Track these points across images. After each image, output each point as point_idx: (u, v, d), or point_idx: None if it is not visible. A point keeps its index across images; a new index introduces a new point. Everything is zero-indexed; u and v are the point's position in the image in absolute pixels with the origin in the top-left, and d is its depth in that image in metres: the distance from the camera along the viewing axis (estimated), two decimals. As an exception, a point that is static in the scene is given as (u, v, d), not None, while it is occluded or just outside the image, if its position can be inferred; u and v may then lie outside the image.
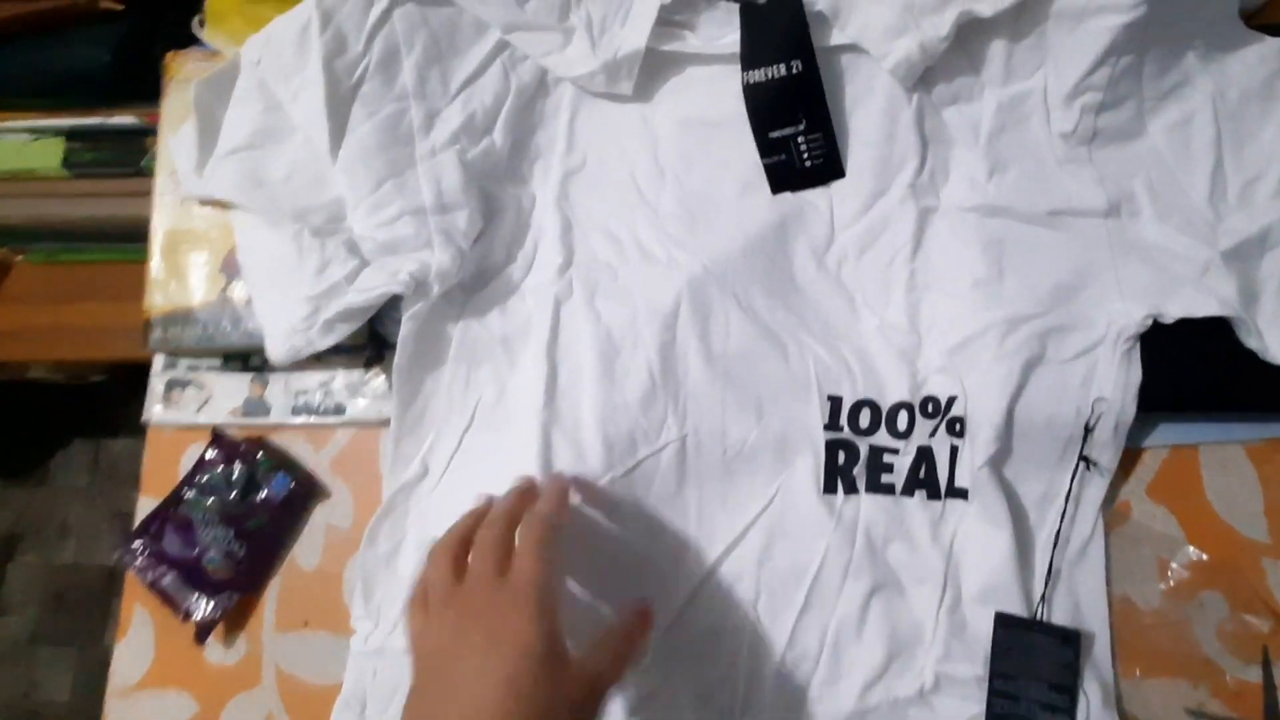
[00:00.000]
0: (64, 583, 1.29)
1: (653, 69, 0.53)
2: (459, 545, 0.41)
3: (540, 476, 0.49)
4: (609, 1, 0.52)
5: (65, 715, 1.23)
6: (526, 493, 0.44)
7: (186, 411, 0.57)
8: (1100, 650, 0.47)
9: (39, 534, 1.31)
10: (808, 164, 0.50)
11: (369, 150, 0.50)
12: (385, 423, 0.54)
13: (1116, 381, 0.47)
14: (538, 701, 0.34)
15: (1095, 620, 0.48)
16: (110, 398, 1.27)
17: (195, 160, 0.52)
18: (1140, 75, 0.46)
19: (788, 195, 0.53)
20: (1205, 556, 0.48)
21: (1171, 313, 0.46)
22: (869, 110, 0.50)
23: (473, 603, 0.37)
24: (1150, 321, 0.46)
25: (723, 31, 0.51)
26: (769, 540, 0.50)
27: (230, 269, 0.53)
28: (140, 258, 0.59)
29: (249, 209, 0.51)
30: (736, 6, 0.49)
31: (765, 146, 0.51)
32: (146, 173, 0.62)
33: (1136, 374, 0.47)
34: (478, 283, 0.54)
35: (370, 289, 0.49)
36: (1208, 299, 0.45)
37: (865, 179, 0.51)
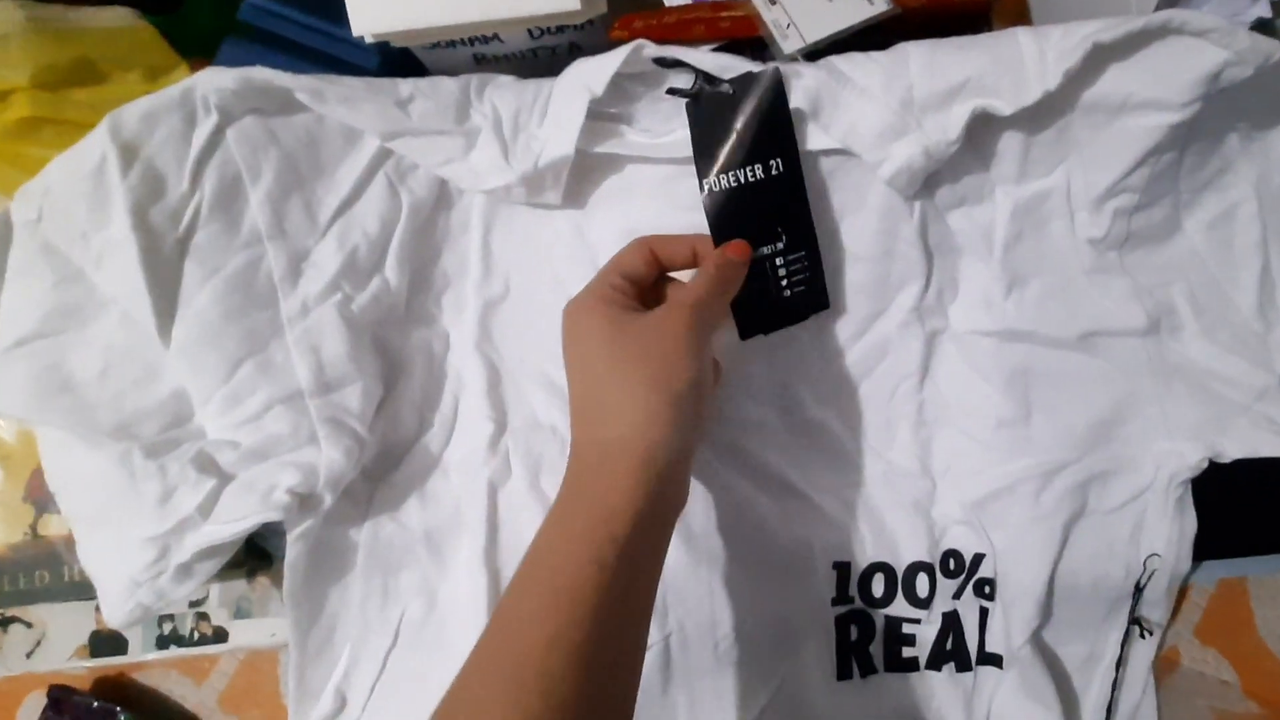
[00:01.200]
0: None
1: (583, 171, 0.41)
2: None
3: None
4: (519, 93, 0.40)
5: None
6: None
7: (12, 658, 0.43)
8: (1159, 824, 0.42)
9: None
10: (786, 293, 0.40)
11: (216, 321, 0.37)
12: (283, 645, 0.42)
13: (1169, 534, 0.40)
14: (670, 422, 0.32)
15: (1153, 790, 0.42)
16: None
17: (-37, 357, 0.37)
18: (1179, 170, 0.38)
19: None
20: (1258, 707, 0.43)
21: (1229, 453, 0.39)
22: (861, 223, 0.40)
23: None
24: (1206, 464, 0.39)
25: (669, 125, 0.40)
26: (778, 739, 0.42)
27: (39, 497, 0.39)
28: None
29: (53, 423, 0.37)
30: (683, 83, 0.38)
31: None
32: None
33: (1191, 523, 0.40)
34: (384, 465, 0.42)
35: (236, 516, 0.36)
36: (1268, 434, 0.39)
37: (859, 301, 0.42)
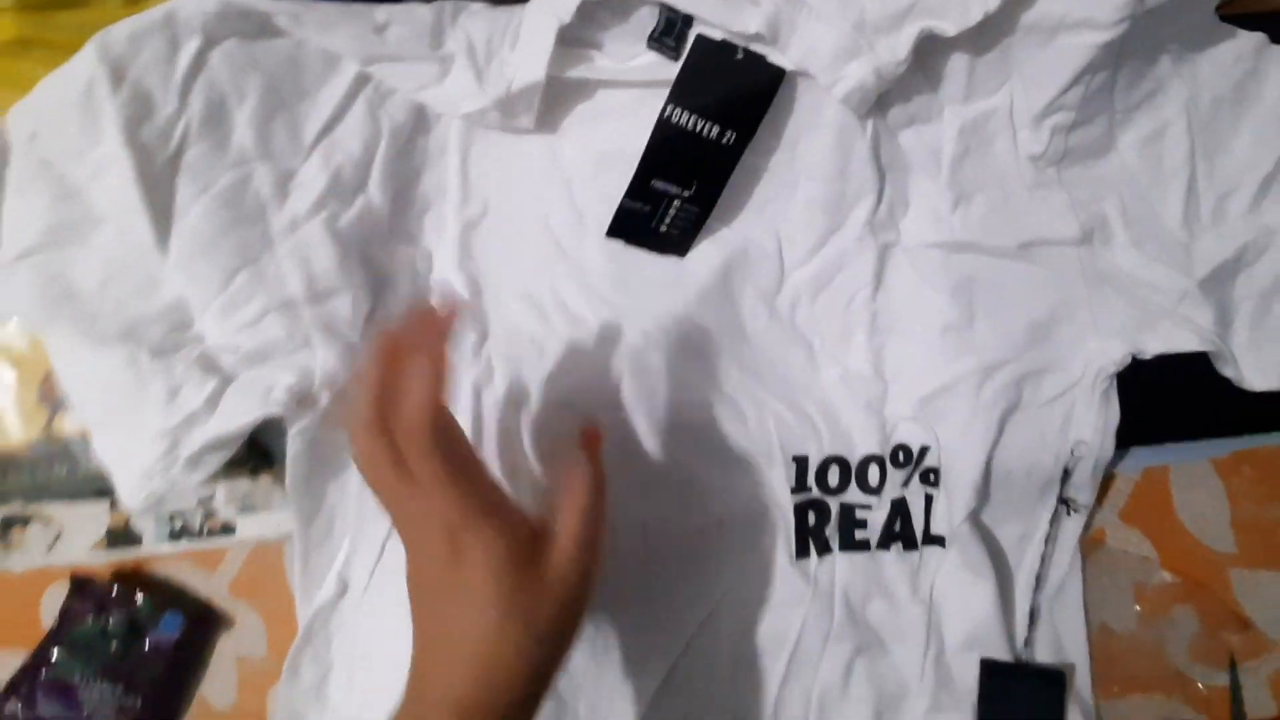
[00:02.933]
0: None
1: (555, 96, 0.43)
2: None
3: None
4: (491, 20, 0.41)
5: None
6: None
7: (33, 553, 0.47)
8: (1081, 680, 0.47)
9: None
10: (662, 229, 0.44)
11: (210, 235, 0.40)
12: (287, 536, 0.46)
13: (1095, 424, 0.44)
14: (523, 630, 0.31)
15: (1076, 652, 0.47)
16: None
17: (-24, 269, 0.39)
18: (1113, 88, 0.41)
19: (727, 234, 0.46)
20: (1175, 579, 0.48)
21: (1150, 349, 0.43)
22: (818, 142, 0.42)
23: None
24: (1129, 359, 0.43)
25: (635, 49, 0.42)
26: (743, 613, 0.46)
27: (52, 397, 0.42)
28: None
29: (61, 328, 0.39)
30: (648, 13, 0.40)
31: (636, 188, 0.43)
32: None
33: (1115, 414, 0.44)
34: (376, 371, 0.45)
35: (239, 412, 0.40)
36: (1186, 333, 0.42)
37: (816, 215, 0.44)
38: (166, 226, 0.39)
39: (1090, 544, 0.48)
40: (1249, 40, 0.42)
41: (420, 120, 0.44)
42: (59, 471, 0.42)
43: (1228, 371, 0.44)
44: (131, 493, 0.40)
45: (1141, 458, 0.48)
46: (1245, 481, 0.48)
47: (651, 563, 0.45)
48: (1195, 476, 0.48)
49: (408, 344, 0.31)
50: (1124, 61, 0.40)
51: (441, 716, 0.30)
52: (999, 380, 0.44)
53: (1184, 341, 0.42)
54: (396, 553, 0.46)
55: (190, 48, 0.38)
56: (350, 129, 0.42)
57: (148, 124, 0.38)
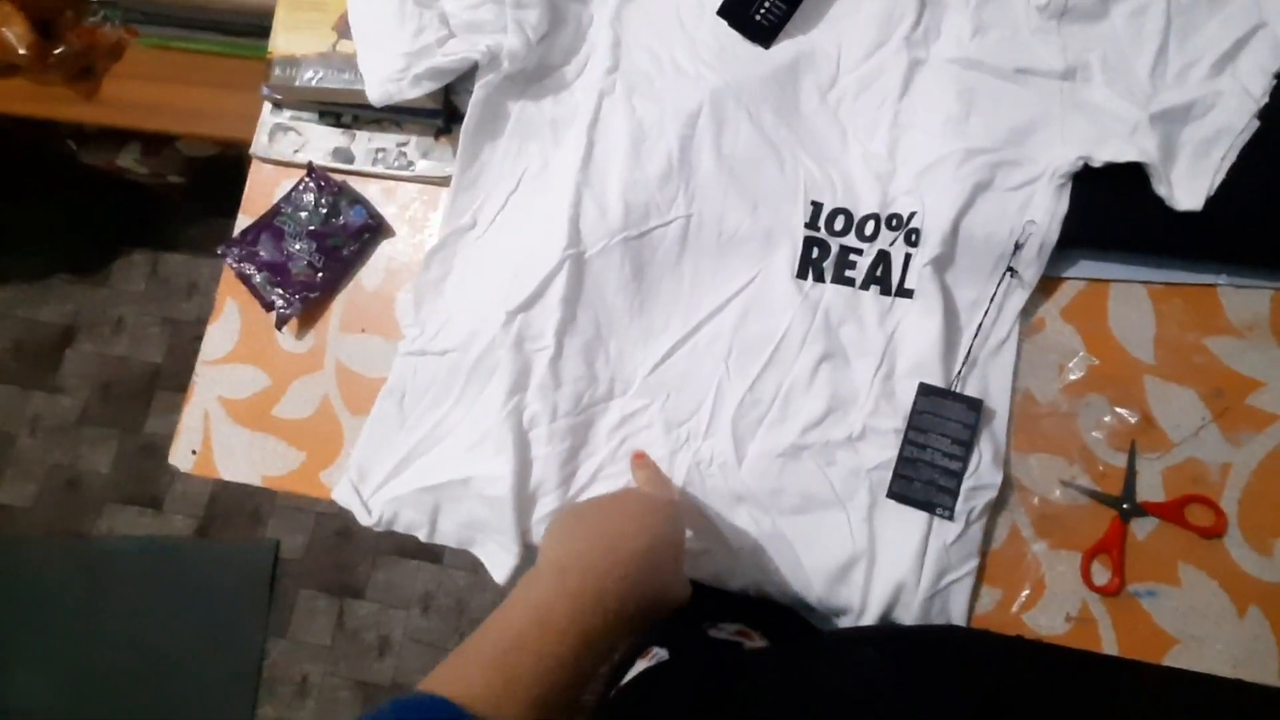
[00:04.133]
0: (113, 373, 1.42)
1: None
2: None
3: (567, 229, 0.60)
4: None
5: (102, 486, 1.37)
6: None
7: (285, 151, 0.68)
8: (999, 423, 0.58)
9: (95, 328, 1.44)
10: (757, 18, 0.62)
11: (469, -54, 0.61)
12: (447, 181, 0.65)
13: (1047, 209, 0.57)
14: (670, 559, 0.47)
15: (999, 400, 0.58)
16: (176, 214, 1.39)
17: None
18: (1109, -36, 0.56)
19: (802, 38, 0.63)
20: (1097, 362, 0.59)
21: (1100, 157, 0.56)
22: (882, -28, 0.60)
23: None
24: (1081, 163, 0.57)
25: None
26: (746, 310, 0.61)
27: (341, 29, 0.64)
28: (248, 53, 0.68)
29: (361, -21, 0.62)
30: None
31: None
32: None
33: (1064, 206, 0.57)
34: (538, 74, 0.65)
35: (454, 54, 0.60)
36: (1131, 150, 0.56)
37: (870, 28, 0.61)
38: (446, -68, 0.61)
39: (1031, 328, 0.60)
40: (1230, -50, 0.56)
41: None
42: (330, 75, 0.63)
43: (1160, 190, 0.56)
44: (374, 89, 0.61)
45: (1087, 269, 0.60)
46: (1173, 309, 0.59)
47: (688, 252, 0.62)
48: (1131, 296, 0.60)
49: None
50: (1118, -60, 0.55)
51: (591, 602, 0.41)
52: (978, 161, 0.58)
53: (1128, 155, 0.55)
54: (516, 205, 0.64)
55: None
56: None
57: None
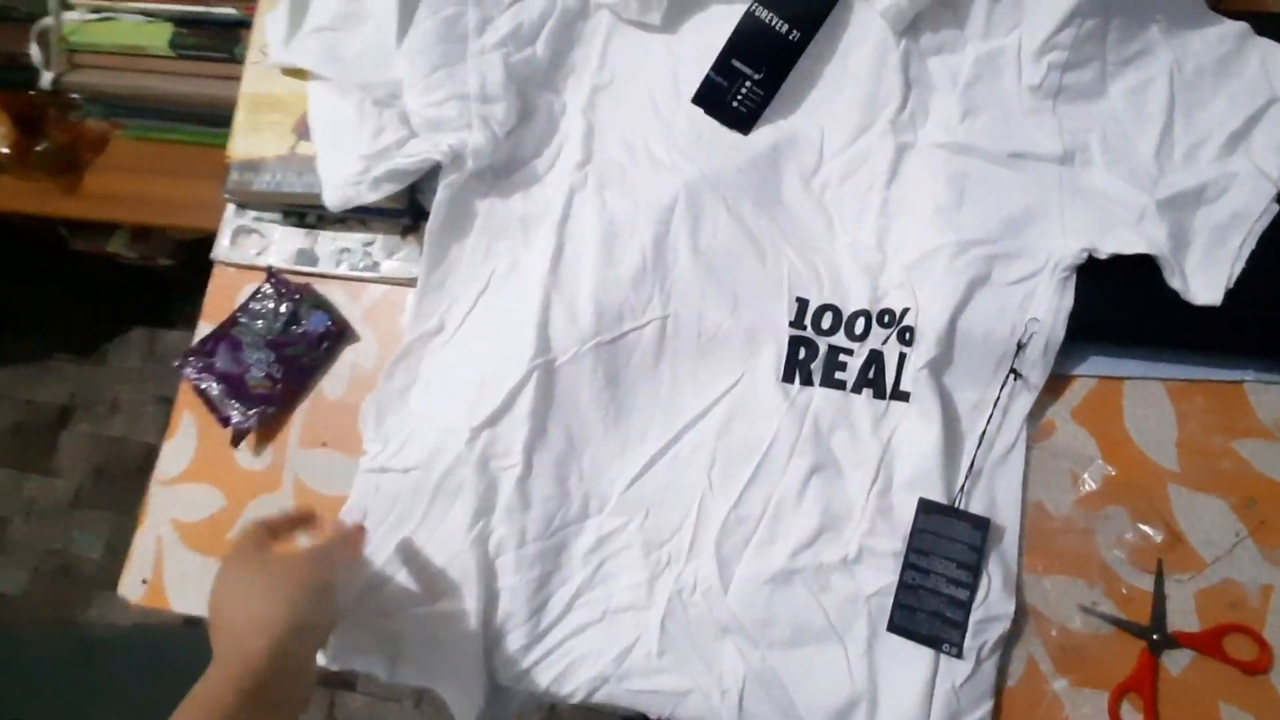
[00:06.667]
0: (108, 454, 1.40)
1: (681, 4, 0.61)
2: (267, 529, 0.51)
3: (535, 337, 0.56)
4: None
5: (95, 572, 1.34)
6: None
7: (248, 254, 0.66)
8: (1009, 542, 0.53)
9: (91, 408, 1.43)
10: (734, 104, 0.59)
11: (429, 42, 0.59)
12: (413, 282, 0.62)
13: (1050, 306, 0.53)
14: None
15: (1008, 517, 0.53)
16: (170, 291, 1.39)
17: (284, 35, 0.61)
18: (1105, 40, 0.52)
19: (783, 123, 0.60)
20: (1114, 471, 0.54)
21: (1106, 249, 0.52)
22: (862, 51, 0.56)
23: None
24: (1085, 255, 0.52)
25: (744, -28, 0.59)
26: (729, 417, 0.57)
27: (300, 131, 0.61)
28: (223, 141, 0.67)
29: (324, 78, 0.60)
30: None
31: (721, 65, 0.58)
32: (239, 60, 0.72)
33: (1069, 301, 0.53)
34: (507, 169, 0.62)
35: (415, 154, 0.57)
36: (1139, 240, 0.51)
37: (854, 112, 0.58)
38: (405, 30, 0.59)
39: (1040, 432, 0.55)
40: (1234, 27, 0.52)
41: (583, 9, 0.63)
42: (290, 179, 0.61)
43: (1175, 283, 0.51)
44: (333, 193, 0.58)
45: (1099, 366, 0.55)
46: (1196, 409, 0.54)
47: (665, 356, 0.58)
48: (1148, 394, 0.55)
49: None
50: (1114, 17, 0.51)
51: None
52: (973, 254, 0.54)
53: (1136, 246, 0.51)
54: (484, 308, 0.61)
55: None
56: (536, 2, 0.61)
57: (414, -39, 0.58)
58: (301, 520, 0.53)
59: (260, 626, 0.44)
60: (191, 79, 0.79)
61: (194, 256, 1.11)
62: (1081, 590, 0.53)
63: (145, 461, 1.38)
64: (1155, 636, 0.51)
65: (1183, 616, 0.51)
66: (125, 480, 1.38)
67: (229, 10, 0.75)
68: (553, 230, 0.59)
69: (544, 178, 0.62)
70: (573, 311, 0.57)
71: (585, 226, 0.59)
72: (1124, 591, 0.52)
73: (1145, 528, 0.53)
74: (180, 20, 0.78)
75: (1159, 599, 0.52)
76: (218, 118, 0.85)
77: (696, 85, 0.60)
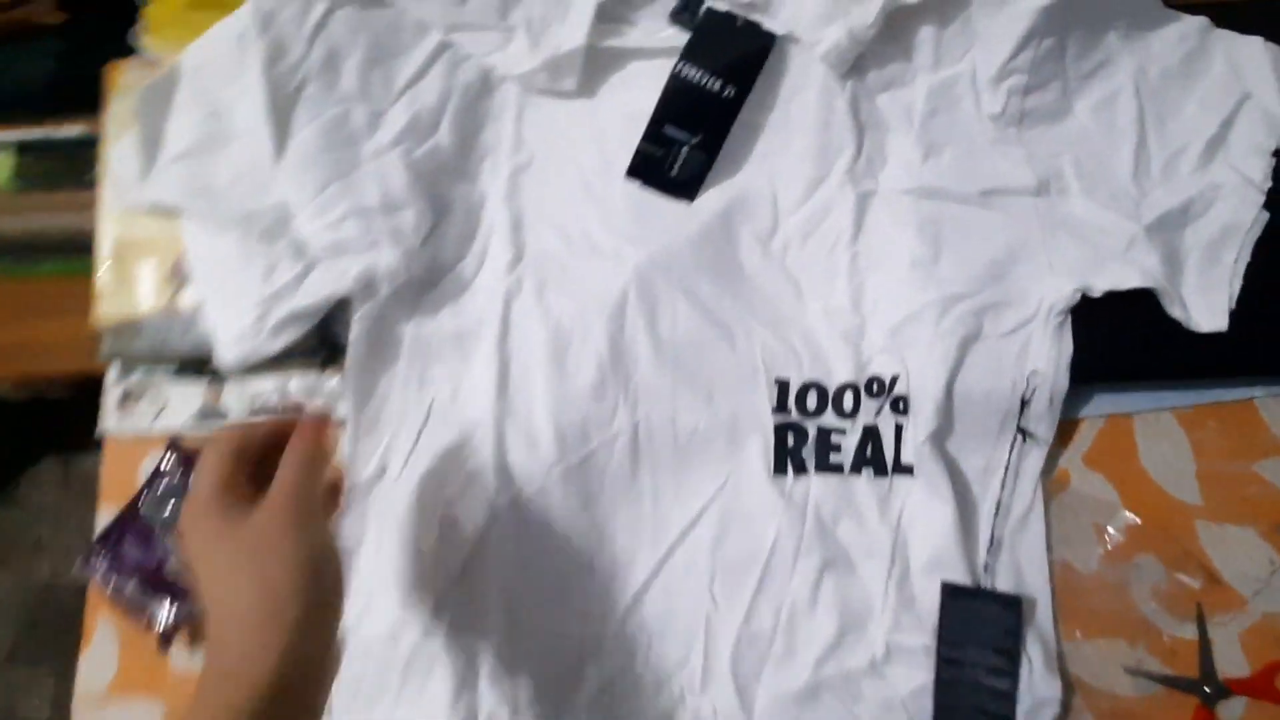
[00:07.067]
0: (39, 602, 1.27)
1: (596, 66, 0.54)
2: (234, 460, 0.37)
3: (493, 472, 0.50)
4: (549, 0, 0.53)
5: (45, 732, 1.22)
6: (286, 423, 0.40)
7: (143, 420, 0.57)
8: (1042, 614, 0.49)
9: (12, 554, 1.29)
10: (673, 173, 0.52)
11: (313, 153, 0.51)
12: (342, 423, 0.55)
13: (1049, 355, 0.48)
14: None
15: (1037, 586, 0.49)
16: (75, 413, 1.26)
17: (139, 168, 0.52)
18: (1064, 57, 0.48)
19: (729, 183, 0.54)
20: (1139, 520, 0.50)
21: (1099, 286, 0.48)
22: (805, 98, 0.51)
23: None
24: (1079, 296, 0.48)
25: (661, 25, 0.52)
26: (723, 524, 0.51)
27: (178, 276, 0.53)
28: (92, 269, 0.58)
29: (195, 215, 0.51)
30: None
31: (652, 134, 0.52)
32: (95, 184, 0.62)
33: (1068, 347, 0.49)
34: (429, 281, 0.54)
35: (318, 291, 0.49)
36: (1132, 272, 0.47)
37: (806, 166, 0.52)
38: (283, 143, 0.50)
39: (1054, 485, 0.51)
40: (1193, 22, 0.48)
41: (486, 84, 0.55)
42: (174, 336, 0.52)
43: (1176, 312, 0.48)
44: (226, 351, 0.50)
45: (1105, 404, 0.51)
46: (1210, 435, 0.51)
47: (641, 468, 0.52)
48: (1159, 427, 0.51)
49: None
50: (1071, 31, 0.47)
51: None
52: (960, 310, 0.49)
53: (1130, 279, 0.47)
54: (428, 441, 0.54)
55: (319, 9, 0.50)
56: (430, 84, 0.53)
57: (280, 64, 0.50)
58: (283, 430, 0.38)
59: (256, 628, 0.33)
60: (47, 213, 0.68)
61: (89, 382, 1.00)
62: (1124, 651, 0.49)
63: (81, 603, 1.26)
64: (1207, 689, 0.48)
65: (1231, 661, 0.48)
66: (62, 628, 1.25)
67: (76, 130, 0.65)
68: (493, 348, 0.52)
69: (473, 283, 0.55)
70: (531, 437, 0.51)
71: (529, 339, 0.52)
72: (1167, 643, 0.49)
73: (1180, 575, 0.49)
74: (24, 147, 0.67)
75: (1204, 648, 0.49)
76: (83, 246, 0.75)
77: (628, 154, 0.54)
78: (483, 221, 0.56)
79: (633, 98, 0.54)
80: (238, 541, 0.34)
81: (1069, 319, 0.49)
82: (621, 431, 0.51)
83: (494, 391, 0.51)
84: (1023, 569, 0.49)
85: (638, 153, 0.52)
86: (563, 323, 0.52)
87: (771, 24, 0.48)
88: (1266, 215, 0.48)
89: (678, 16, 0.50)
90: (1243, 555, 0.49)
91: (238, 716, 0.32)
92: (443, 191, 0.54)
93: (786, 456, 0.52)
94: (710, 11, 0.47)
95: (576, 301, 0.52)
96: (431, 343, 0.54)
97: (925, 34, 0.49)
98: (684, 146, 0.51)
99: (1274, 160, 0.49)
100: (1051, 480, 0.51)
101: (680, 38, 0.51)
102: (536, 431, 0.50)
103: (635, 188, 0.54)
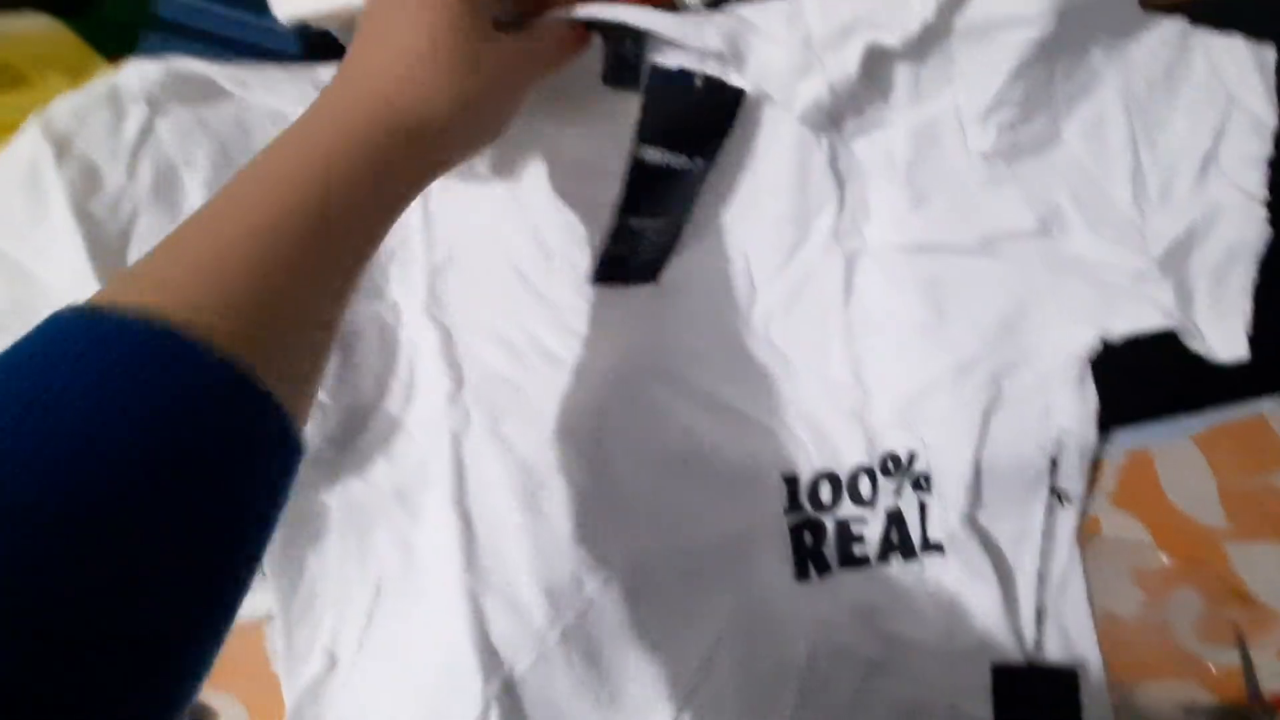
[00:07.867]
0: None
1: (512, 140, 0.43)
2: None
3: (476, 655, 0.41)
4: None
5: None
6: None
7: None
8: (1095, 675, 0.46)
9: None
10: (638, 259, 0.44)
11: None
12: (270, 617, 0.44)
13: (1075, 411, 0.44)
14: (457, 50, 0.32)
15: (1086, 647, 0.46)
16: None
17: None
18: (1052, 80, 0.42)
19: (696, 257, 0.46)
20: (1173, 556, 0.48)
21: (1118, 329, 0.44)
22: (777, 157, 0.43)
23: None
24: (1099, 344, 0.44)
25: (591, 88, 0.42)
26: (747, 643, 0.45)
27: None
28: None
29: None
30: (592, 55, 0.40)
31: (619, 231, 0.42)
32: None
33: (1092, 398, 0.45)
34: (349, 431, 0.44)
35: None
36: (1149, 311, 0.43)
37: (781, 230, 0.45)
38: (122, 300, 0.38)
39: (1086, 533, 0.48)
40: (1172, 25, 0.44)
41: (377, 173, 0.44)
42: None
43: (1196, 346, 0.44)
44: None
45: (1123, 441, 0.48)
46: (1227, 454, 0.49)
47: (644, 603, 0.44)
48: (1179, 454, 0.49)
49: None
50: (1058, 55, 0.41)
51: (364, 105, 0.30)
52: (976, 377, 0.44)
53: (1148, 319, 0.43)
54: (385, 620, 0.44)
55: (136, 117, 0.37)
56: (308, 187, 0.42)
57: (96, 197, 0.37)
58: None
59: (417, 63, 0.31)
60: None
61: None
62: (1175, 690, 0.47)
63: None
64: (1258, 713, 0.47)
65: (1275, 679, 0.47)
66: None
67: None
68: (448, 503, 0.42)
69: (405, 422, 0.44)
70: (516, 606, 0.42)
71: (491, 486, 0.43)
72: (1214, 674, 0.47)
73: (1217, 604, 0.47)
74: None
75: (1250, 675, 0.47)
76: None
77: (572, 243, 0.44)
78: (402, 342, 0.45)
79: (562, 173, 0.44)
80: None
81: (1089, 369, 0.44)
82: (616, 571, 0.43)
83: (460, 559, 0.42)
84: (1069, 632, 0.46)
85: (604, 258, 0.43)
86: (528, 459, 0.43)
87: (737, 80, 0.39)
88: (1270, 232, 0.45)
89: (614, 76, 0.40)
90: (1274, 573, 0.48)
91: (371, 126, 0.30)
92: (346, 319, 0.43)
93: (807, 557, 0.46)
94: (660, 73, 0.38)
95: (538, 429, 0.43)
96: (367, 506, 0.43)
97: (902, 71, 0.42)
98: (649, 232, 0.42)
99: (1270, 170, 0.45)
100: (1082, 529, 0.48)
101: (615, 100, 0.41)
102: (522, 600, 0.42)
103: (581, 277, 0.45)
